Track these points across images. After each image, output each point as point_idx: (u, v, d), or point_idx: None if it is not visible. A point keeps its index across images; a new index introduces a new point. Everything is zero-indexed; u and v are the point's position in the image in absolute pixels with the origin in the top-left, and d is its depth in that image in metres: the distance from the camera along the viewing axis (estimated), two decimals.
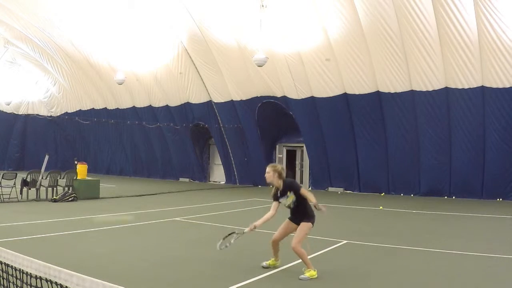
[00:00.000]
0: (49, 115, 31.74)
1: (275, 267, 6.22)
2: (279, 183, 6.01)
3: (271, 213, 5.97)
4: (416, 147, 18.67)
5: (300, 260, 5.92)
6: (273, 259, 6.24)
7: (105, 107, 29.13)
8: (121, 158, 30.07)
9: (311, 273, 5.75)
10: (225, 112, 23.89)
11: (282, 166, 6.40)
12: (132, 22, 21.58)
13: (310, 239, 8.72)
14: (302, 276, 5.73)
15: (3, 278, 2.95)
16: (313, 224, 5.97)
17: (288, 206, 5.99)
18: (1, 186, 13.58)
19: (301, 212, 5.96)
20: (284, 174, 6.07)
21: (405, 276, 6.16)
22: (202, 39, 21.01)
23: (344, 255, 7.54)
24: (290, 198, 5.89)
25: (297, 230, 5.90)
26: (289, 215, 6.14)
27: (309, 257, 5.93)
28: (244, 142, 23.77)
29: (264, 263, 6.25)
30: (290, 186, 5.96)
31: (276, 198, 6.08)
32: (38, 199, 14.46)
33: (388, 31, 16.77)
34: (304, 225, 5.87)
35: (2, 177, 13.79)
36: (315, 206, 5.80)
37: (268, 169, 6.10)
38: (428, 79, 17.42)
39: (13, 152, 31.21)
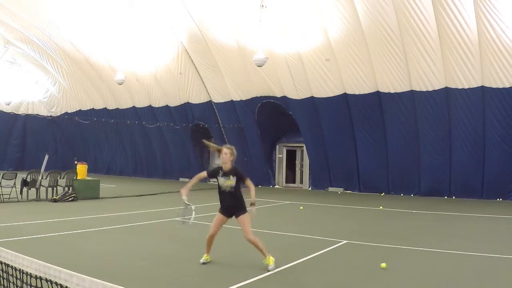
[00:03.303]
0: (49, 115, 31.72)
1: (210, 262, 6.43)
2: (228, 166, 6.23)
3: (195, 181, 6.51)
4: (416, 147, 18.66)
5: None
6: (206, 255, 6.46)
7: (105, 107, 29.12)
8: (121, 158, 30.06)
9: (271, 259, 6.03)
10: (225, 112, 23.89)
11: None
12: (132, 22, 21.58)
13: (310, 239, 8.73)
14: (269, 267, 5.96)
15: (3, 278, 2.95)
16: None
17: (224, 189, 6.22)
18: (1, 186, 13.58)
19: (236, 200, 6.20)
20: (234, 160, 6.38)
21: (405, 276, 6.15)
22: (202, 39, 21.00)
23: (344, 255, 7.53)
24: (229, 182, 6.15)
25: (242, 225, 6.12)
26: (220, 208, 6.36)
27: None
28: (244, 142, 23.76)
29: (202, 260, 6.41)
30: (235, 171, 6.22)
31: (214, 174, 6.32)
32: (38, 199, 14.46)
33: (388, 31, 16.77)
34: (244, 218, 6.14)
35: (2, 177, 13.79)
36: (251, 204, 6.05)
37: (226, 150, 6.30)
38: (428, 79, 17.41)
39: (13, 152, 31.18)
